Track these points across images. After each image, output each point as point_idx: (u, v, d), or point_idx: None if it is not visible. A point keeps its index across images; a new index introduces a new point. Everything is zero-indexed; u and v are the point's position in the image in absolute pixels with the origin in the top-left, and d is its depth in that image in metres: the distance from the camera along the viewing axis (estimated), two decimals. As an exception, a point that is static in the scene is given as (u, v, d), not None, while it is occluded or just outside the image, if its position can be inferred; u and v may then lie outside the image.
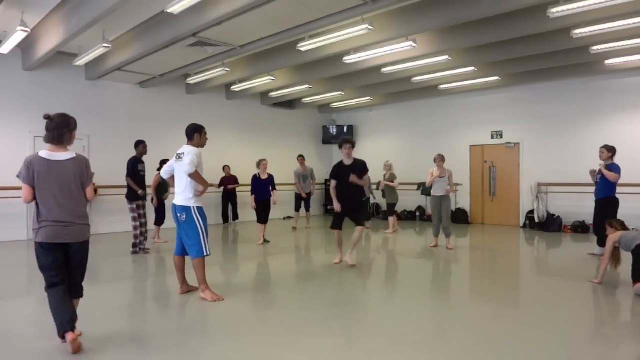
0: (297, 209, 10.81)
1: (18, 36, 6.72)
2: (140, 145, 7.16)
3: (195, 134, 4.72)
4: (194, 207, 4.49)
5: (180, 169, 4.49)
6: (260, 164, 8.31)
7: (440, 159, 7.68)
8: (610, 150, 6.86)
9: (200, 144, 4.75)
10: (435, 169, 7.67)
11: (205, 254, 4.45)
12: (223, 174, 11.26)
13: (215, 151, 11.23)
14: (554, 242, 8.58)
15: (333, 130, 14.40)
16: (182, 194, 4.52)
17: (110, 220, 8.48)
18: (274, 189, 8.36)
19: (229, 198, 11.35)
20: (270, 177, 8.36)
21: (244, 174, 11.28)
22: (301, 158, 10.82)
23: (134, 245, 7.10)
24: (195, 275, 4.49)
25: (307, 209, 10.88)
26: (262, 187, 8.26)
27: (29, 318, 4.16)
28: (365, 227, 9.70)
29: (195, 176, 4.45)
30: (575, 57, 8.16)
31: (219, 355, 3.18)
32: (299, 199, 10.77)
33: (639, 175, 9.16)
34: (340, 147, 6.10)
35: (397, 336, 3.53)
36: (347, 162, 6.11)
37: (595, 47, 7.50)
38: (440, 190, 7.57)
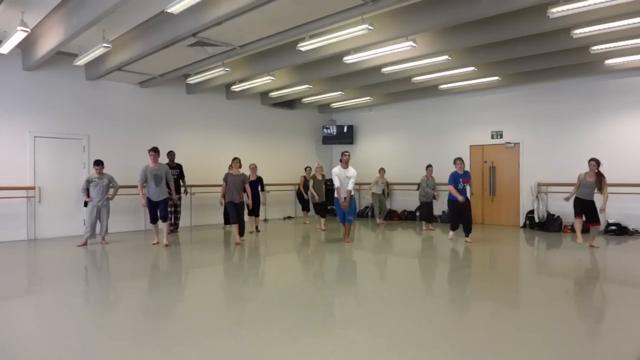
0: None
1: (18, 36, 6.71)
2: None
3: None
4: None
5: None
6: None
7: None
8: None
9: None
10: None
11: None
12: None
13: (215, 151, 11.27)
14: (554, 242, 8.58)
15: (333, 130, 14.40)
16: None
17: (111, 219, 8.47)
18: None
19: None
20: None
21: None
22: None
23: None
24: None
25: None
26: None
27: (28, 318, 4.16)
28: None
29: None
30: (575, 57, 8.16)
31: (218, 355, 3.18)
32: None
33: (639, 175, 9.16)
34: None
35: (397, 336, 3.53)
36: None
37: (595, 47, 7.49)
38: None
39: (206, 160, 10.24)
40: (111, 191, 8.32)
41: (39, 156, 8.89)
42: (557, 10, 5.66)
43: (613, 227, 9.22)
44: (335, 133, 14.35)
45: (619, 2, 5.34)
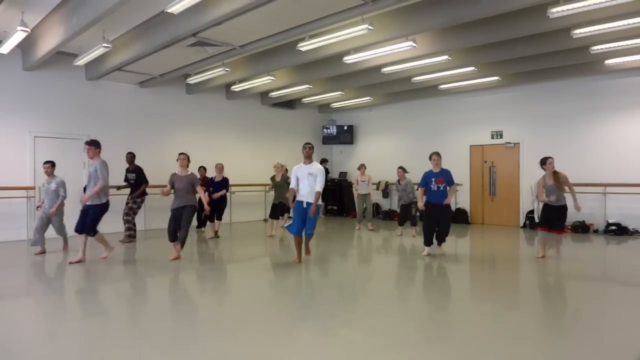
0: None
1: (18, 36, 6.71)
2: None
3: None
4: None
5: None
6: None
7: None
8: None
9: None
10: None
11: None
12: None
13: (214, 151, 11.26)
14: (554, 242, 8.56)
15: (333, 130, 14.40)
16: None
17: (110, 220, 8.45)
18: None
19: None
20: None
21: (243, 174, 11.30)
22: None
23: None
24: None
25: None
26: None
27: (28, 319, 4.16)
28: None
29: None
30: (575, 57, 8.15)
31: (218, 354, 3.18)
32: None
33: (639, 175, 9.16)
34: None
35: (397, 336, 3.53)
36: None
37: (595, 47, 7.49)
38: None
39: (206, 160, 10.23)
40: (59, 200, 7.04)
41: (39, 156, 8.88)
42: (557, 10, 5.66)
43: (613, 227, 9.22)
44: (335, 133, 14.36)
45: (619, 2, 5.34)
